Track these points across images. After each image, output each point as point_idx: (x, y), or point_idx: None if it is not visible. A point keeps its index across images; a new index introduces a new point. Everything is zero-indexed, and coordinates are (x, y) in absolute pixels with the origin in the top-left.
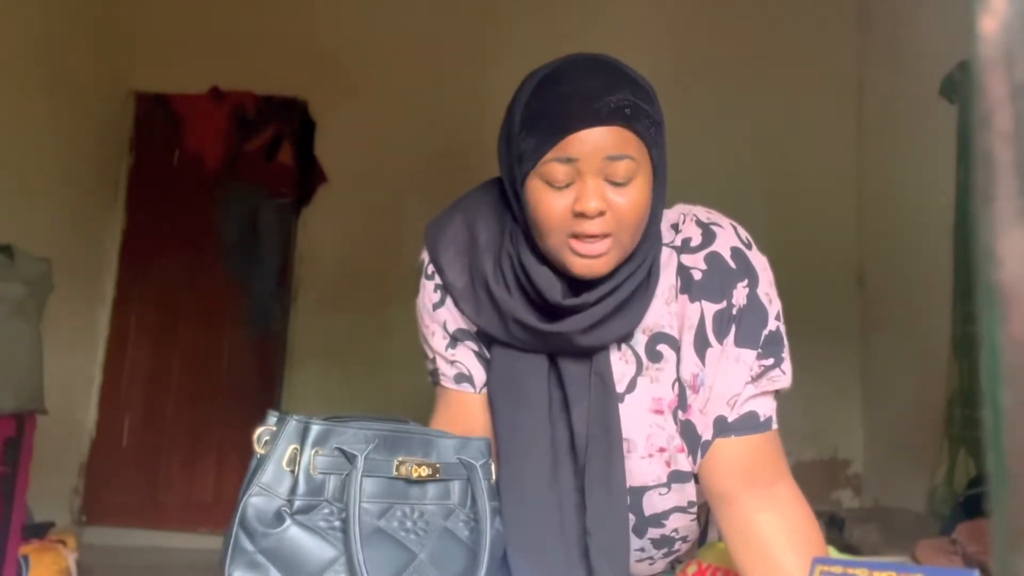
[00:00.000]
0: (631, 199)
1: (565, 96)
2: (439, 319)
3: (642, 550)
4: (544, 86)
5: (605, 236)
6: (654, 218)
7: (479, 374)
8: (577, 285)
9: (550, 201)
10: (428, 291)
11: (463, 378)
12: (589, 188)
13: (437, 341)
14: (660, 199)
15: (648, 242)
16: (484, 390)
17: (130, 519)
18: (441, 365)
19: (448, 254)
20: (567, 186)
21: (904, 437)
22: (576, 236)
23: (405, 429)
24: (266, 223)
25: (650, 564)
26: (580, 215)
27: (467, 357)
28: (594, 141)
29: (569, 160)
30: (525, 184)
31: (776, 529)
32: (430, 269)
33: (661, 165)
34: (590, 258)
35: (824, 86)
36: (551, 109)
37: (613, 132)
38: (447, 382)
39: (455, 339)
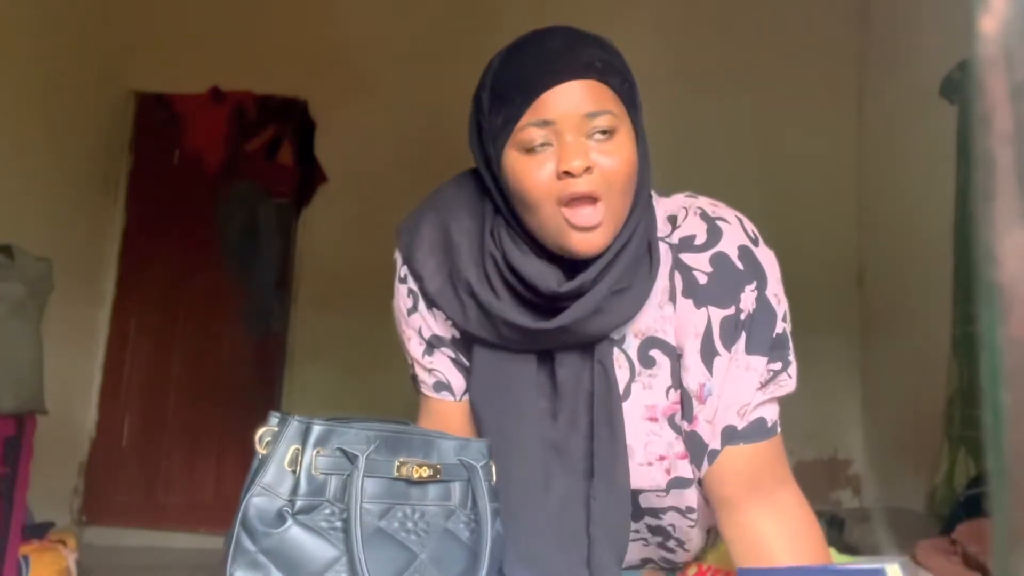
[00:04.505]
0: (617, 157)
1: (531, 59)
2: (414, 325)
3: (637, 531)
4: (507, 60)
5: (595, 200)
6: (643, 184)
7: (457, 382)
8: (571, 271)
9: (531, 169)
10: (402, 295)
11: (442, 386)
12: (570, 146)
13: (414, 347)
14: (646, 165)
15: (638, 209)
16: (464, 398)
17: (130, 519)
18: (419, 372)
19: (422, 254)
20: (547, 151)
21: (904, 437)
22: (566, 204)
23: (405, 430)
24: (266, 223)
25: (644, 545)
26: (566, 174)
27: (444, 365)
28: (570, 98)
29: (545, 123)
30: (502, 160)
31: (779, 535)
32: (403, 272)
33: (642, 130)
34: (586, 230)
35: (824, 86)
36: (518, 75)
37: (588, 86)
38: (427, 390)
39: (431, 345)
